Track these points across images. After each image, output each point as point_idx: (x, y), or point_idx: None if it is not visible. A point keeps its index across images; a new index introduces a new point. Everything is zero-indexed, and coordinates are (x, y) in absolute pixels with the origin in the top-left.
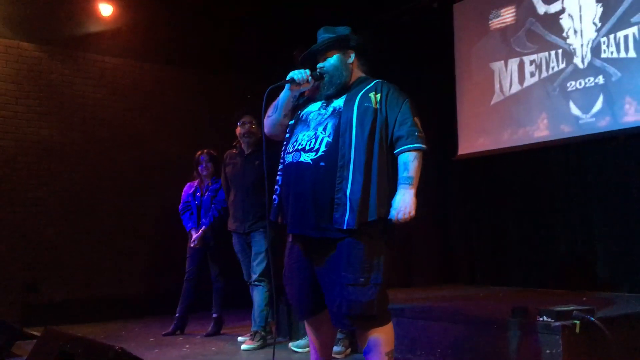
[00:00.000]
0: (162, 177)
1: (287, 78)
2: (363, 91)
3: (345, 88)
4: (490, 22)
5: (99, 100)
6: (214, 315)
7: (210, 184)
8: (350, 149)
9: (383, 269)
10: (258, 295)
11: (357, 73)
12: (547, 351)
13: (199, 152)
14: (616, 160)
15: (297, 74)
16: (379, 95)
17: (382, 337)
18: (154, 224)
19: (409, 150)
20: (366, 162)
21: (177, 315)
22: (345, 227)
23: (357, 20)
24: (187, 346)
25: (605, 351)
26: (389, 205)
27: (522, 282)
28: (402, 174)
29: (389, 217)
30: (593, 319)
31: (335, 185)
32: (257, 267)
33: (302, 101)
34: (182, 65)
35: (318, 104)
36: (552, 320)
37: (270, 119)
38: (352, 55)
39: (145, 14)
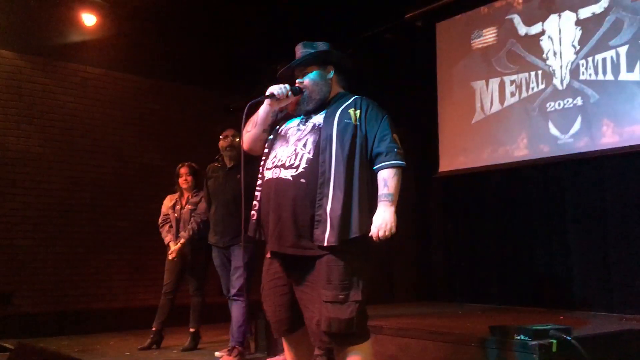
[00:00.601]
0: (142, 189)
1: (267, 93)
2: (342, 107)
3: (324, 103)
4: (472, 42)
5: (79, 111)
6: (191, 330)
7: (190, 197)
8: (331, 165)
9: (362, 286)
10: (237, 310)
11: (336, 89)
12: None
13: (180, 165)
14: (593, 180)
15: (277, 89)
16: (358, 112)
17: (361, 355)
18: (132, 237)
19: (389, 167)
20: (347, 179)
21: (153, 329)
22: (325, 245)
23: (339, 37)
24: None
25: None
26: (370, 221)
27: (500, 300)
28: (382, 191)
29: (369, 234)
30: (570, 338)
31: (316, 202)
32: (236, 281)
33: (280, 116)
34: (164, 77)
35: (297, 120)
36: (529, 339)
37: (249, 134)
38: (332, 71)
39: (129, 25)
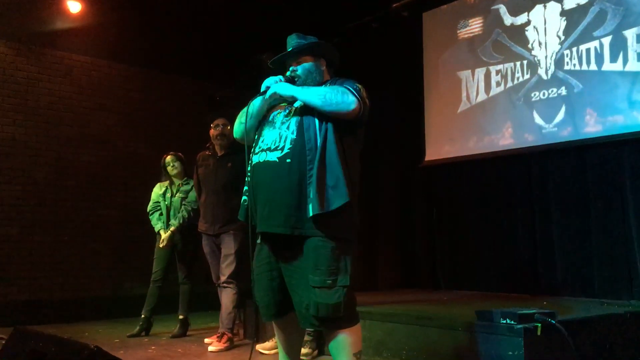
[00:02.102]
0: (128, 177)
1: (263, 88)
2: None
3: None
4: (458, 32)
5: (65, 99)
6: (180, 317)
7: (181, 185)
8: (316, 143)
9: (350, 270)
10: (226, 297)
11: (326, 78)
12: (510, 353)
13: (165, 155)
14: (576, 169)
15: (273, 82)
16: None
17: (350, 338)
18: (120, 225)
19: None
20: (333, 154)
21: (142, 316)
22: (313, 214)
23: (326, 27)
24: (153, 347)
25: (565, 352)
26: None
27: (484, 287)
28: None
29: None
30: (554, 321)
31: (306, 179)
32: (226, 268)
33: (270, 105)
34: (150, 66)
35: (284, 105)
36: (515, 323)
37: (243, 125)
38: (324, 62)
39: (115, 13)
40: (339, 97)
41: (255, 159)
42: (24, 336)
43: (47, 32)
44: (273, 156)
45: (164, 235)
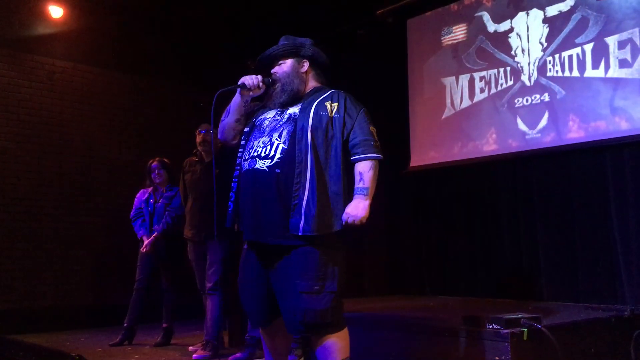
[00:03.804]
0: (111, 184)
1: (239, 83)
2: (319, 100)
3: (299, 96)
4: (442, 39)
5: (46, 104)
6: (164, 325)
7: (164, 191)
8: (307, 156)
9: (338, 276)
10: (212, 305)
11: (312, 82)
12: (497, 357)
13: (151, 160)
14: (560, 174)
15: (248, 80)
16: (335, 104)
17: (337, 344)
18: (103, 232)
19: (365, 159)
20: (323, 170)
21: (125, 325)
22: (300, 234)
23: (310, 33)
24: (137, 356)
25: (551, 357)
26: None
27: (469, 293)
28: (358, 185)
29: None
30: (540, 326)
31: (292, 192)
32: (212, 275)
33: (256, 108)
34: (133, 71)
35: (273, 112)
36: (501, 328)
37: (222, 123)
38: (306, 64)
39: (98, 18)
40: (372, 174)
41: (244, 165)
42: (2, 345)
43: (29, 37)
44: (262, 164)
45: (146, 239)
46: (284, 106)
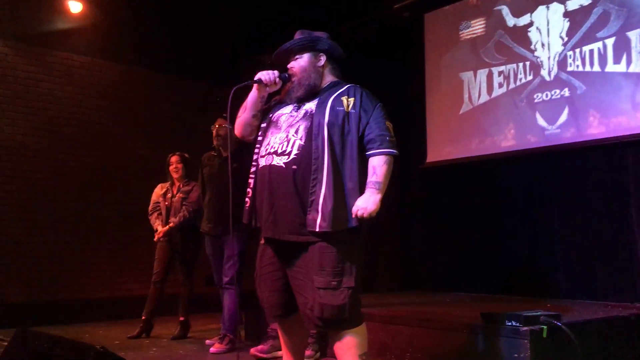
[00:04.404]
0: (127, 179)
1: (255, 78)
2: (335, 95)
3: (315, 91)
4: (460, 33)
5: (65, 99)
6: (181, 319)
7: (182, 185)
8: (324, 152)
9: (355, 272)
10: (229, 299)
11: (329, 77)
12: (515, 355)
13: (171, 154)
14: (579, 170)
15: (264, 75)
16: (351, 100)
17: (355, 340)
18: (119, 226)
19: (379, 154)
20: (339, 166)
21: (143, 318)
22: (317, 230)
23: (326, 27)
24: (154, 349)
25: (570, 355)
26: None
27: (485, 289)
28: (371, 178)
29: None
30: (560, 324)
31: (309, 188)
32: (229, 270)
33: (273, 104)
34: (151, 66)
35: (290, 107)
36: (520, 325)
37: (240, 119)
38: (323, 59)
39: (116, 13)
40: (385, 169)
41: (262, 161)
42: (27, 337)
43: (48, 32)
44: (279, 161)
45: (161, 228)
46: (301, 101)
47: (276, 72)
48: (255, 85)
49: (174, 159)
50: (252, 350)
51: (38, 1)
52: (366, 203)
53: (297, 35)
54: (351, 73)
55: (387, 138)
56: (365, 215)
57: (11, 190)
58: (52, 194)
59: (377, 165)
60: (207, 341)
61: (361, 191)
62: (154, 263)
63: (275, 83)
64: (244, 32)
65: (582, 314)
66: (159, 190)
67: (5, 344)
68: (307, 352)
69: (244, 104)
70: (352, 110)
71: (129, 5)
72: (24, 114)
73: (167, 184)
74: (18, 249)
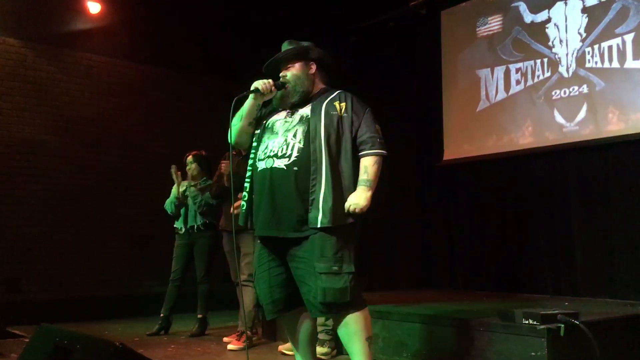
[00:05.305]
0: (147, 177)
1: (252, 88)
2: (327, 100)
3: (308, 97)
4: (477, 30)
5: (84, 99)
6: (199, 316)
7: (199, 184)
8: (321, 154)
9: (353, 259)
10: (246, 296)
11: (319, 84)
12: (532, 354)
13: (187, 154)
14: (598, 168)
15: (261, 84)
16: (343, 104)
17: (359, 324)
18: (139, 224)
19: (371, 155)
20: (337, 167)
21: (161, 315)
22: (319, 226)
23: (343, 25)
24: (173, 346)
25: (588, 354)
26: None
27: (502, 287)
28: (362, 176)
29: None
30: (578, 322)
31: (309, 188)
32: (246, 267)
33: (266, 112)
34: (169, 66)
35: (283, 113)
36: (538, 324)
37: (235, 127)
38: (314, 67)
39: (134, 14)
40: (376, 168)
41: (260, 165)
42: (48, 333)
43: (67, 33)
44: (281, 163)
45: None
46: (295, 107)
47: (271, 81)
48: (251, 95)
49: (188, 159)
50: (280, 348)
51: (57, 2)
52: (358, 199)
53: (285, 45)
54: (368, 71)
55: (378, 140)
56: (357, 210)
57: (33, 189)
58: (72, 193)
59: (369, 165)
60: (225, 338)
61: (355, 189)
62: (172, 261)
63: (271, 91)
64: (263, 29)
65: (601, 313)
66: (179, 187)
67: (27, 340)
68: (323, 350)
69: (238, 112)
70: (345, 114)
71: (146, 6)
72: (45, 113)
73: (186, 183)
74: (40, 246)
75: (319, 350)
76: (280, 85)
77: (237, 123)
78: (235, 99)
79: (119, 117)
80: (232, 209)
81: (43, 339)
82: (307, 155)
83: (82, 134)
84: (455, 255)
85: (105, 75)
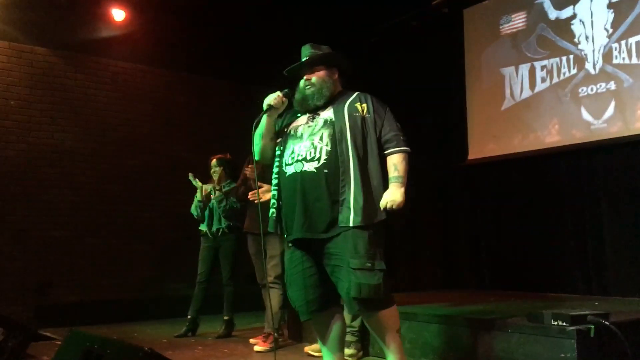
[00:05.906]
0: (172, 181)
1: (264, 107)
2: (348, 102)
3: (329, 101)
4: (500, 28)
5: (111, 105)
6: (225, 318)
7: (224, 187)
8: (349, 155)
9: (384, 257)
10: (272, 298)
11: (338, 87)
12: (562, 355)
13: (211, 157)
14: (627, 166)
15: (273, 100)
16: (364, 105)
17: (391, 318)
18: (165, 227)
19: (398, 152)
20: (365, 167)
21: (188, 317)
22: (351, 225)
23: (365, 25)
24: (200, 348)
25: (619, 355)
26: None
27: (530, 288)
28: (393, 174)
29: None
30: (608, 323)
31: (339, 189)
32: (272, 269)
33: (283, 122)
34: (192, 70)
35: (304, 118)
36: (567, 325)
37: (257, 146)
38: (336, 71)
39: (158, 20)
40: (405, 164)
41: (289, 169)
42: (80, 338)
43: (93, 41)
44: (310, 166)
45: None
46: (315, 111)
47: (279, 93)
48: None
49: (212, 162)
50: (306, 349)
51: (83, 10)
52: (394, 196)
53: (307, 48)
54: (392, 70)
55: (401, 137)
56: (394, 206)
57: (61, 194)
58: (100, 197)
59: (398, 162)
60: (251, 340)
61: (384, 187)
62: (197, 264)
63: (282, 103)
64: (283, 32)
65: (631, 313)
66: (201, 191)
67: (59, 342)
68: (350, 351)
69: (257, 132)
70: (367, 115)
71: (170, 13)
72: (72, 120)
73: (211, 186)
74: (69, 250)
75: (345, 351)
76: (288, 94)
77: (259, 142)
78: (255, 122)
79: (144, 122)
80: (258, 211)
81: (74, 343)
82: (335, 157)
83: (109, 140)
84: (482, 256)
85: (131, 81)
